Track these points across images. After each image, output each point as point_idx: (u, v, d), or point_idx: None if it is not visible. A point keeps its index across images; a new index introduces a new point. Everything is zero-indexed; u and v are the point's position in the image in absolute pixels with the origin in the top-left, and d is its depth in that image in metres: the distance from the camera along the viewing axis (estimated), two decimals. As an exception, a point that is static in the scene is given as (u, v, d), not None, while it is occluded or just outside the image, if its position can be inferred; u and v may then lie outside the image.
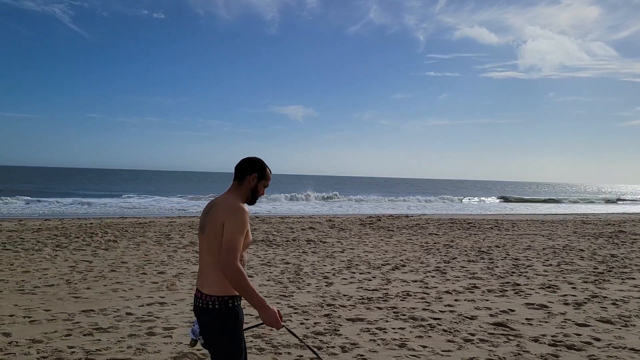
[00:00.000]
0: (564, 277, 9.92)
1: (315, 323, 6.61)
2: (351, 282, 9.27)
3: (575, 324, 6.75)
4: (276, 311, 3.09)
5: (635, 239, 16.59)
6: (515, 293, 8.53)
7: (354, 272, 10.24)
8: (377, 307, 7.47)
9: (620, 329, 6.59)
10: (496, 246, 14.53)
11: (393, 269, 10.61)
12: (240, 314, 3.16)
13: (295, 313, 7.09)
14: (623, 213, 34.44)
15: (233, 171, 3.31)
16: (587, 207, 47.00)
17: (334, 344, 5.80)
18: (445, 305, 7.63)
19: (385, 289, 8.74)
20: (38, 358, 5.15)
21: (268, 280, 9.32)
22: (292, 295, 8.15)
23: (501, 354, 5.57)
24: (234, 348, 3.11)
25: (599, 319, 7.02)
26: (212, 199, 3.35)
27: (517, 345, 5.87)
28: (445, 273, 10.25)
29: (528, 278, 9.84)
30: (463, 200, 54.50)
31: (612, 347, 5.85)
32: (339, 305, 7.55)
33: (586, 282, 9.53)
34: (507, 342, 5.98)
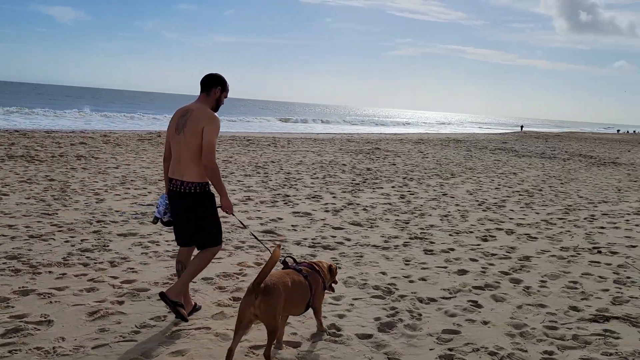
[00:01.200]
0: (327, 188, 11.08)
1: (82, 240, 6.28)
2: (125, 198, 8.93)
3: (332, 228, 7.69)
4: (231, 202, 4.17)
5: (387, 155, 19.20)
6: (284, 203, 9.27)
7: (129, 188, 9.87)
8: (151, 222, 7.39)
9: (367, 230, 7.72)
10: (272, 161, 15.37)
11: (170, 185, 10.50)
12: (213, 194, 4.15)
13: (59, 231, 6.60)
14: (380, 133, 39.33)
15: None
16: (353, 128, 52.39)
17: (102, 259, 5.62)
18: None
19: (161, 203, 8.65)
20: None
21: (27, 198, 8.40)
22: (56, 213, 7.53)
23: (267, 257, 6.07)
24: (216, 218, 4.23)
25: (351, 222, 8.10)
26: (183, 106, 4.17)
27: (282, 249, 6.46)
28: (222, 187, 10.54)
29: (297, 190, 10.74)
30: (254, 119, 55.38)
31: (359, 245, 6.86)
32: (110, 222, 7.26)
33: (345, 191, 10.81)
34: (273, 246, 6.54)
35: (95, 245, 6.08)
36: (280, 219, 8.07)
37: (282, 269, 3.96)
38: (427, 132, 48.91)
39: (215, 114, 4.07)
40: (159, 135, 22.52)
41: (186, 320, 4.06)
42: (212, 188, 4.17)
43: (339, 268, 5.80)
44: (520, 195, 11.59)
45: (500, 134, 50.21)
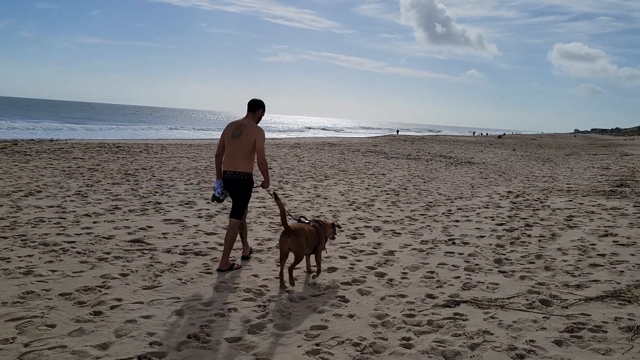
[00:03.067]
0: (201, 194, 10.87)
1: None
2: (-31, 213, 8.02)
3: (205, 234, 7.58)
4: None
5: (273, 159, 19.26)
6: (155, 211, 8.93)
7: (-26, 202, 8.87)
8: (1, 237, 6.74)
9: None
10: (143, 168, 14.73)
11: (26, 196, 9.64)
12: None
13: None
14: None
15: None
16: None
17: (-61, 282, 5.01)
18: (82, 229, 7.43)
19: (14, 217, 7.91)
20: None
21: None
22: None
23: (134, 267, 5.84)
24: (249, 196, 6.11)
25: (224, 227, 8.02)
26: (235, 120, 6.02)
27: (151, 257, 6.25)
28: (86, 197, 9.90)
29: (170, 197, 10.41)
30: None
31: (232, 249, 6.83)
32: (-50, 239, 6.49)
33: (219, 197, 10.69)
34: (141, 256, 6.29)
35: None
36: (150, 227, 7.77)
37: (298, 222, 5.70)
38: (304, 136, 49.93)
39: (260, 126, 5.96)
40: (16, 144, 20.52)
41: (248, 258, 6.44)
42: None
43: (218, 271, 5.76)
44: (387, 194, 12.31)
45: (372, 137, 52.78)
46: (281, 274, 5.47)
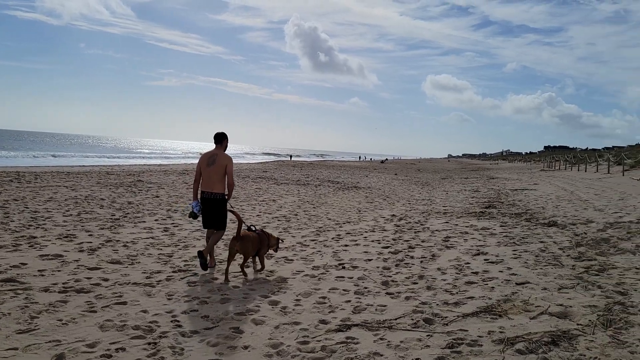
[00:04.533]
0: (82, 226, 10.22)
1: None
2: None
3: (88, 269, 7.13)
4: None
5: (150, 187, 18.57)
6: (30, 246, 8.25)
7: None
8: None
9: (127, 267, 7.37)
10: (14, 199, 13.50)
11: None
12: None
13: None
14: (144, 165, 37.86)
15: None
16: (114, 160, 49.41)
17: None
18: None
19: None
20: None
21: None
22: None
23: (6, 309, 5.35)
24: (226, 214, 7.55)
25: (110, 261, 7.63)
26: (208, 151, 7.69)
27: (26, 298, 5.77)
28: (-55, 233, 8.86)
29: (46, 230, 9.65)
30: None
31: (118, 284, 6.51)
32: None
33: (103, 228, 10.12)
34: (14, 297, 5.78)
35: None
36: (24, 264, 7.15)
37: (247, 230, 7.27)
38: (192, 163, 48.79)
39: (228, 154, 7.56)
40: None
41: (206, 269, 7.26)
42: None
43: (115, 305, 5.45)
44: (279, 220, 12.44)
45: (262, 163, 52.98)
46: (226, 271, 6.96)
